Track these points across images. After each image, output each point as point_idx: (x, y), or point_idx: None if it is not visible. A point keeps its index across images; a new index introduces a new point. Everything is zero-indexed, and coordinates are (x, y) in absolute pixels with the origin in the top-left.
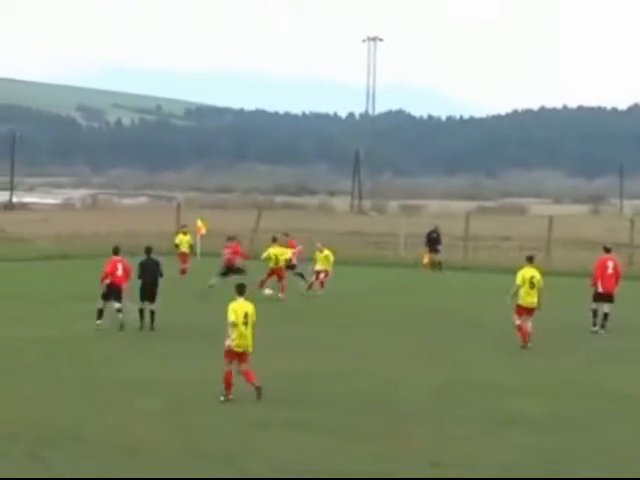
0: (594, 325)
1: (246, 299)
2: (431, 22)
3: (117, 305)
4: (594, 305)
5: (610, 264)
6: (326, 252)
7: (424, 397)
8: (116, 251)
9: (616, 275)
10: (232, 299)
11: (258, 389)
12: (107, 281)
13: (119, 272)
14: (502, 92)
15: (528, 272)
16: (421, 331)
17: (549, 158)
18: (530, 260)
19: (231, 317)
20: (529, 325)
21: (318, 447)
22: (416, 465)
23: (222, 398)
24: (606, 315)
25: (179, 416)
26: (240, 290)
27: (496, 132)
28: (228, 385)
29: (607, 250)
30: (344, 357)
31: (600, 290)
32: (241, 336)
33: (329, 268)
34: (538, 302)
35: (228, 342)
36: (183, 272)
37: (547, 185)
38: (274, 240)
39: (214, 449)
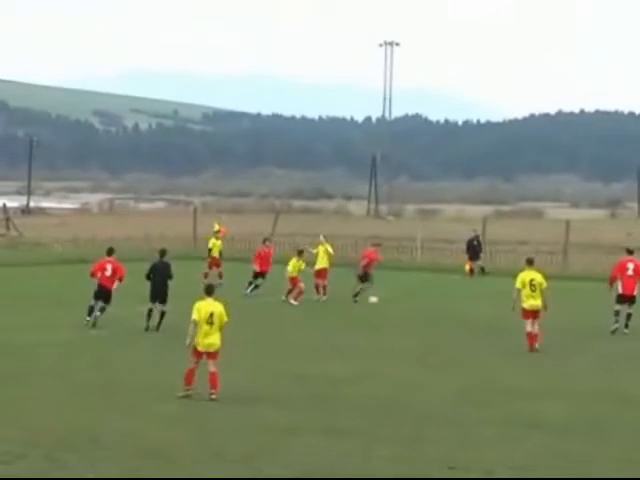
0: (615, 322)
1: (216, 299)
2: (448, 26)
3: (101, 304)
4: (617, 306)
5: (630, 265)
6: (327, 246)
7: (444, 400)
8: (109, 252)
9: (637, 276)
10: (201, 298)
11: (211, 394)
12: (96, 281)
13: (107, 273)
14: (519, 96)
15: (528, 275)
16: (440, 335)
17: (566, 162)
18: (530, 263)
19: (193, 316)
20: (536, 328)
21: (337, 450)
22: (435, 468)
23: (181, 394)
24: (629, 315)
25: (197, 419)
26: (209, 290)
27: (513, 136)
28: (187, 381)
29: (630, 252)
30: (362, 360)
31: (620, 291)
32: (205, 335)
33: (327, 265)
34: (543, 304)
35: (188, 340)
36: (220, 276)
37: (564, 189)
38: (299, 253)
39: (232, 452)
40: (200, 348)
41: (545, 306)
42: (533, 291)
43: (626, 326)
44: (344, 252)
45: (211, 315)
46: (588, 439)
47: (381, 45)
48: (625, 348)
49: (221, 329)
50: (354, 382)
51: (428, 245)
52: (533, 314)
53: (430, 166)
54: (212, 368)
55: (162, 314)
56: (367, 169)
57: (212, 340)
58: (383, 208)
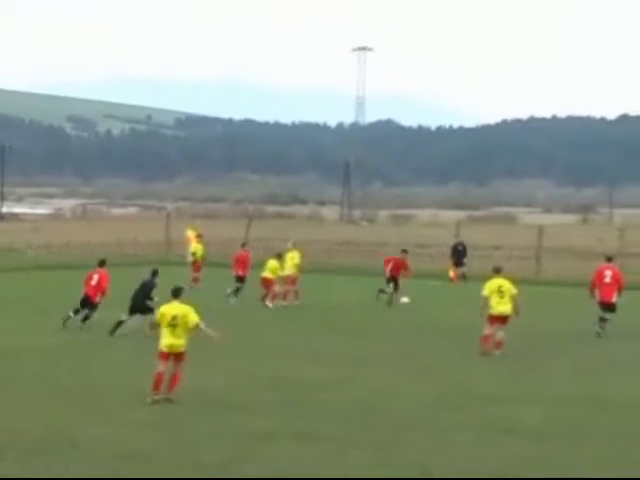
0: (599, 328)
1: (182, 302)
2: (421, 32)
3: (85, 312)
4: (601, 313)
5: (608, 273)
6: (294, 253)
7: (420, 405)
8: (100, 263)
9: (616, 284)
10: (168, 300)
11: (169, 394)
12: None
13: (93, 282)
14: (492, 102)
15: (495, 282)
16: (416, 341)
17: (539, 167)
18: (497, 271)
19: (154, 317)
20: (501, 334)
21: (313, 455)
22: (411, 473)
23: (149, 400)
24: (606, 320)
25: (174, 424)
26: (175, 293)
27: (486, 141)
28: (155, 386)
29: (608, 259)
30: (339, 365)
31: (599, 299)
32: (168, 337)
33: (297, 273)
34: (514, 310)
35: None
36: (195, 280)
37: (537, 194)
38: (278, 256)
39: (208, 457)
40: (165, 350)
41: (517, 312)
42: (502, 297)
43: (601, 328)
44: (316, 257)
45: (174, 317)
46: (564, 444)
47: (354, 50)
48: (601, 352)
49: (188, 331)
50: (330, 387)
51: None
52: (501, 320)
53: (403, 171)
54: (175, 369)
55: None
56: (340, 174)
57: (175, 342)
58: (356, 213)
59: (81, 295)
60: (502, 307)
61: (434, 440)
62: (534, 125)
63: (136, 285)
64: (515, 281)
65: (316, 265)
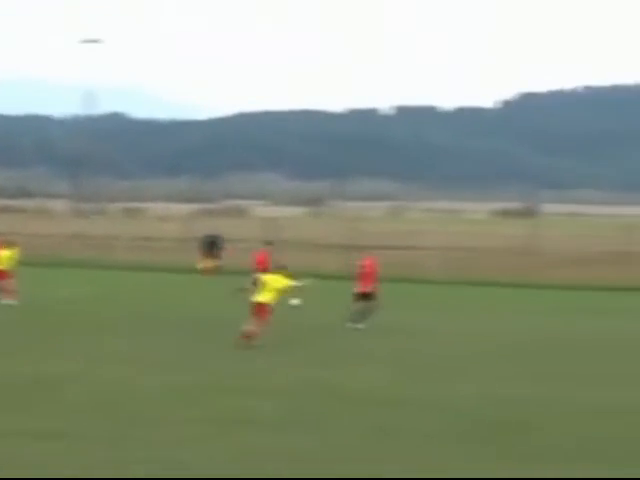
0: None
1: None
2: (150, 26)
3: None
4: (357, 304)
5: (365, 263)
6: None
7: (154, 399)
8: None
9: (372, 274)
10: None
11: None
12: None
13: None
14: (225, 95)
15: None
16: (150, 335)
17: (270, 161)
18: (282, 267)
19: None
20: (256, 324)
21: (47, 453)
22: (142, 468)
23: None
24: (364, 312)
25: None
26: None
27: (218, 135)
28: None
29: (361, 250)
30: (72, 361)
31: (356, 290)
32: None
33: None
34: (270, 299)
35: None
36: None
37: (268, 188)
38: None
39: None
40: None
41: (271, 302)
42: (261, 288)
43: (356, 321)
44: (46, 251)
45: None
46: (302, 434)
47: (83, 42)
48: (345, 344)
49: None
50: (65, 383)
51: (133, 244)
52: (255, 308)
53: (134, 165)
54: None
55: None
56: (70, 168)
57: None
58: (87, 207)
59: None
60: (259, 296)
61: (168, 434)
62: (266, 118)
63: None
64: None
65: (46, 259)
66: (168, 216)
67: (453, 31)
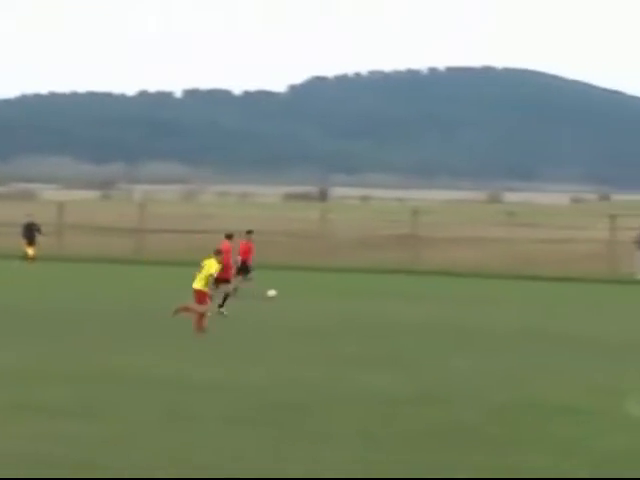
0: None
1: None
2: None
3: None
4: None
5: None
6: None
7: None
8: None
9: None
10: None
11: None
12: None
13: None
14: (9, 76)
15: (207, 261)
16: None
17: (59, 144)
18: (218, 253)
19: None
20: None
21: None
22: None
23: None
24: (226, 295)
25: None
26: None
27: (4, 117)
28: None
29: (228, 237)
30: None
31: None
32: None
33: None
34: (202, 286)
35: None
36: None
37: (58, 171)
38: None
39: None
40: None
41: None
42: (198, 275)
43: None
44: None
45: None
46: (87, 422)
47: None
48: (128, 330)
49: None
50: None
51: None
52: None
53: None
54: None
55: None
56: None
57: None
58: None
59: None
60: (194, 284)
61: None
62: (54, 100)
63: None
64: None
65: None
66: None
67: (242, 15)
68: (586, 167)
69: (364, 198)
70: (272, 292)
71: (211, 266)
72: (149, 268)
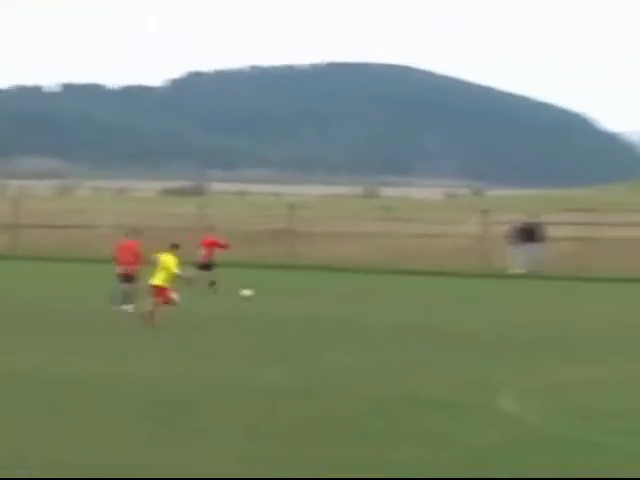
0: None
1: None
2: None
3: None
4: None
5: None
6: None
7: None
8: None
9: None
10: None
11: None
12: None
13: None
14: None
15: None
16: None
17: None
18: (174, 246)
19: None
20: (155, 303)
21: None
22: None
23: None
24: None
25: None
26: None
27: None
28: None
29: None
30: None
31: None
32: None
33: None
34: (162, 281)
35: None
36: None
37: None
38: None
39: None
40: None
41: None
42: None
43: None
44: None
45: None
46: None
47: None
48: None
49: None
50: None
51: None
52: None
53: None
54: None
55: None
56: None
57: None
58: None
59: None
60: (153, 279)
61: None
62: None
63: None
64: None
65: None
66: None
67: (121, 10)
68: (459, 162)
69: (241, 193)
70: (247, 292)
71: (169, 262)
72: (24, 263)
